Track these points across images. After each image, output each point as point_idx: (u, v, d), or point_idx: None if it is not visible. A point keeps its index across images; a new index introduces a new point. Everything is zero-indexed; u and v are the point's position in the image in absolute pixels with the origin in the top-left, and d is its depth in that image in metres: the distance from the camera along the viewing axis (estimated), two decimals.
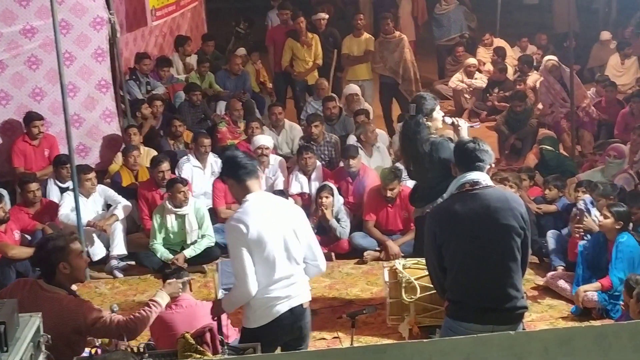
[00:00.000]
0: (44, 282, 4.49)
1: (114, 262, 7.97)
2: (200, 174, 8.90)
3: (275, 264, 4.55)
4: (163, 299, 4.73)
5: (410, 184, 8.56)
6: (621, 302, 6.41)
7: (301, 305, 4.69)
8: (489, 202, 4.38)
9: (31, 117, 8.83)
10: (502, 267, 4.41)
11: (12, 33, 8.68)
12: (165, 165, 8.37)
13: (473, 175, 4.42)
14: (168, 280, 5.02)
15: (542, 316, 6.79)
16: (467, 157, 4.47)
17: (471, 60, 12.92)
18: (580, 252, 6.91)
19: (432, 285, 4.81)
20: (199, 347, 4.21)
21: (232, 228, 4.55)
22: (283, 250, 4.58)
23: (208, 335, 4.36)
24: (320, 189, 8.33)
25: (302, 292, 4.71)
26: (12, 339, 3.66)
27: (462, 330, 4.37)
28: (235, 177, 4.64)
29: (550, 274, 7.25)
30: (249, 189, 4.62)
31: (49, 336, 3.98)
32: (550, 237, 7.52)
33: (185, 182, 8.04)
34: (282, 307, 4.60)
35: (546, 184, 8.33)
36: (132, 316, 4.55)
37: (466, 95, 12.70)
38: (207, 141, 9.00)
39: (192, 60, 12.01)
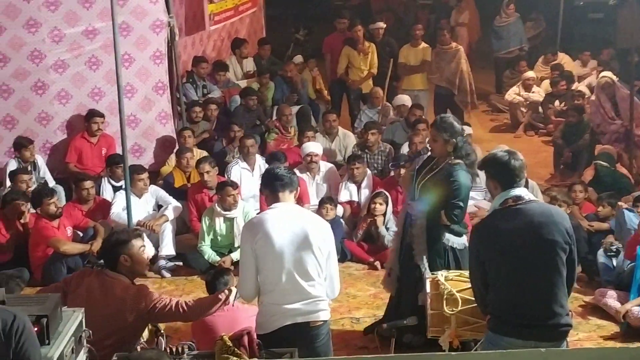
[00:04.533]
0: (109, 271, 4.74)
1: (162, 262, 8.06)
2: (248, 176, 8.94)
3: (282, 275, 4.52)
4: (224, 294, 4.85)
5: None
6: None
7: (308, 323, 4.58)
8: (532, 217, 4.33)
9: (92, 114, 9.05)
10: (546, 283, 4.35)
11: (74, 34, 8.91)
12: (205, 167, 8.42)
13: (516, 191, 4.37)
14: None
15: (589, 336, 6.64)
16: (509, 174, 4.40)
17: (529, 74, 12.76)
18: (638, 255, 6.72)
19: (474, 299, 4.76)
20: (236, 349, 4.23)
21: (244, 230, 4.77)
22: (294, 264, 4.52)
23: (246, 338, 4.38)
24: (375, 195, 8.32)
25: (313, 311, 4.59)
26: (54, 332, 3.75)
27: (504, 345, 4.32)
28: (270, 188, 4.70)
29: (598, 290, 7.09)
30: (280, 200, 4.66)
31: (91, 331, 4.08)
32: (601, 255, 7.37)
33: (235, 185, 8.11)
34: (285, 321, 4.54)
35: (600, 201, 8.16)
36: (193, 300, 4.75)
37: (522, 109, 12.54)
38: (249, 142, 9.03)
39: (249, 64, 12.10)
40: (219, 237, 8.09)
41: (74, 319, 3.97)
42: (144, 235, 7.88)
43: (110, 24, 7.54)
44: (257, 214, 8.19)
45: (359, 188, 8.85)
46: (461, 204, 5.83)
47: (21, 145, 8.71)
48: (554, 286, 4.36)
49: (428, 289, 5.20)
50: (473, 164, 5.97)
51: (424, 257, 5.87)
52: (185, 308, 4.67)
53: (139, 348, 4.64)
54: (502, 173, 4.43)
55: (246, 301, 4.89)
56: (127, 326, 4.58)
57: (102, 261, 7.49)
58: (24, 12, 8.72)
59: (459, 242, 6.01)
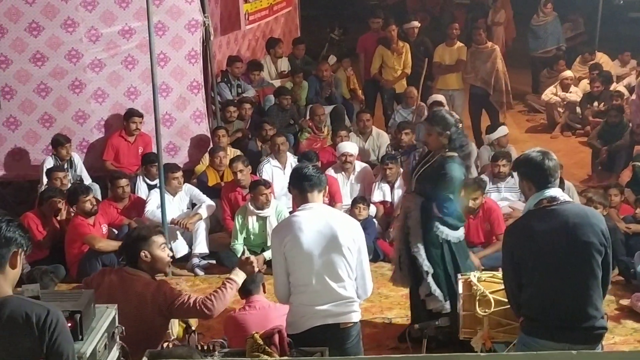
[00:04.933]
0: (129, 268, 4.76)
1: (195, 260, 8.11)
2: (280, 174, 8.96)
3: (312, 276, 4.52)
4: (239, 276, 4.83)
5: (494, 196, 8.46)
6: None
7: (338, 325, 4.59)
8: (567, 218, 4.27)
9: (131, 113, 9.14)
10: (581, 285, 4.29)
11: (111, 33, 9.00)
12: (238, 165, 8.44)
13: (550, 192, 4.32)
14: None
15: (626, 339, 6.55)
16: (543, 175, 4.35)
17: (567, 73, 12.60)
18: None
19: (507, 300, 4.72)
20: (266, 347, 4.24)
21: (273, 234, 4.78)
22: (324, 266, 4.53)
23: (277, 337, 4.39)
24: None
25: (343, 312, 4.60)
26: (87, 328, 3.78)
27: (537, 347, 4.30)
28: (299, 188, 4.72)
29: (635, 294, 6.99)
30: (309, 200, 4.67)
31: (124, 327, 4.10)
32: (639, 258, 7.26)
33: (268, 184, 8.12)
34: (315, 321, 4.55)
35: (638, 203, 8.04)
36: (210, 295, 4.71)
37: (559, 109, 12.40)
38: (280, 139, 9.05)
39: (283, 63, 12.13)
40: (251, 236, 8.12)
41: (107, 315, 4.00)
42: (178, 233, 8.05)
43: (146, 24, 7.61)
44: (290, 211, 8.26)
45: (392, 188, 8.82)
46: (451, 196, 5.89)
47: (58, 143, 8.82)
48: (589, 288, 4.29)
49: (460, 289, 5.17)
50: (468, 156, 6.01)
51: (421, 248, 5.94)
52: (202, 306, 4.63)
53: (170, 345, 4.67)
54: (535, 173, 4.38)
55: (281, 303, 4.89)
56: (148, 322, 4.58)
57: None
58: (62, 12, 8.83)
59: (454, 235, 6.04)
